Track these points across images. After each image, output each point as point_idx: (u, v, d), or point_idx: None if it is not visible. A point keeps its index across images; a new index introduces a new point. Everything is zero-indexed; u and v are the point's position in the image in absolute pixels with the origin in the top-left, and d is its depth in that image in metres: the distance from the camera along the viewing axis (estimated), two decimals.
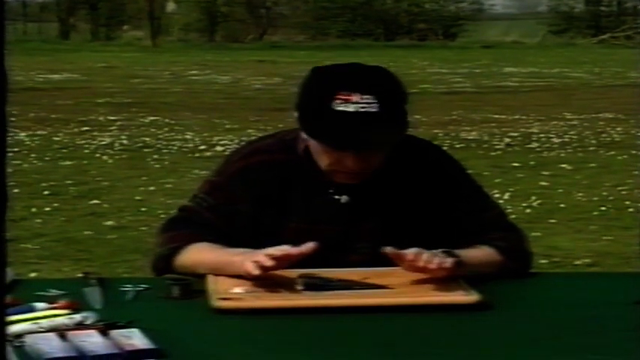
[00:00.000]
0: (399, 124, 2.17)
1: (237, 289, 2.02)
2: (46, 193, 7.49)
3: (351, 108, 2.10)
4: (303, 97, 2.19)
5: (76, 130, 11.44)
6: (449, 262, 2.05)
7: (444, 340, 1.84)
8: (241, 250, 2.14)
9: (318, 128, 2.15)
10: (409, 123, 2.20)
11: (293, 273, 2.08)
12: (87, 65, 22.62)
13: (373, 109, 2.11)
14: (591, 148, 10.20)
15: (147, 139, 10.66)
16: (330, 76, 2.18)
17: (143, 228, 6.23)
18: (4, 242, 0.91)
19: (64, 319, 1.82)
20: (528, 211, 6.93)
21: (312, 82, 2.19)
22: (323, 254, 2.12)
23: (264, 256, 2.03)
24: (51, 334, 1.74)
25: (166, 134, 11.08)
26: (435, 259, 2.04)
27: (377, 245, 2.18)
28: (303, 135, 2.20)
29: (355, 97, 2.11)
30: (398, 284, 2.06)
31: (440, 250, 2.11)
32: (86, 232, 6.22)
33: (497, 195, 6.85)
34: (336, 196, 2.22)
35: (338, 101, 2.11)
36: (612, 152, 9.86)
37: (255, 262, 2.02)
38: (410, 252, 2.05)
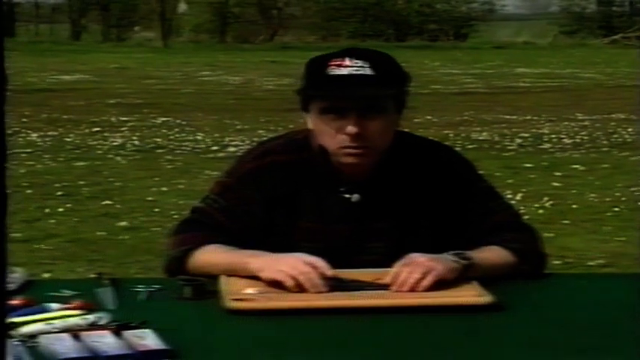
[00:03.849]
0: (392, 87, 2.20)
1: (250, 290, 2.02)
2: (59, 193, 7.51)
3: (344, 71, 2.16)
4: (302, 80, 2.23)
5: (87, 130, 11.47)
6: (427, 280, 2.01)
7: (456, 341, 1.84)
8: (254, 251, 2.14)
9: (317, 94, 2.19)
10: (405, 102, 2.23)
11: None
12: (98, 66, 22.68)
13: (367, 72, 2.16)
14: (604, 149, 10.17)
15: (159, 139, 10.68)
16: (324, 56, 2.24)
17: (155, 229, 6.24)
18: (4, 242, 0.91)
19: (77, 319, 1.82)
20: (541, 212, 6.91)
21: (307, 65, 2.24)
22: (335, 254, 2.12)
23: (318, 279, 2.01)
24: (64, 335, 1.75)
25: (178, 135, 11.10)
26: (409, 280, 2.01)
27: (389, 245, 2.18)
28: (311, 129, 2.21)
29: (348, 62, 2.17)
30: None
31: (451, 252, 2.11)
32: (99, 233, 6.23)
33: (509, 196, 6.83)
34: (347, 195, 2.22)
35: (332, 67, 2.17)
36: (625, 153, 9.83)
37: (307, 277, 2.01)
38: (391, 273, 2.04)
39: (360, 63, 2.16)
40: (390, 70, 2.21)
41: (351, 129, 2.15)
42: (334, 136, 2.18)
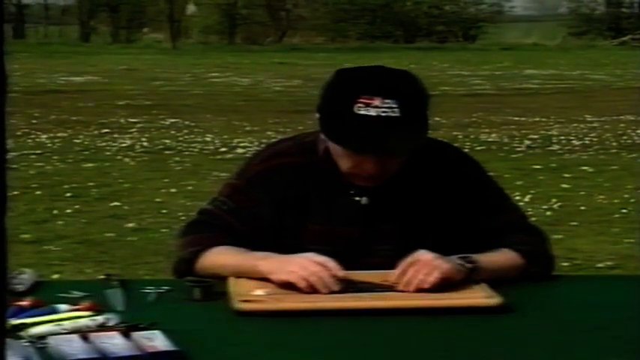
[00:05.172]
0: (419, 130, 2.16)
1: (259, 292, 2.02)
2: (68, 195, 7.52)
3: (372, 112, 2.09)
4: (326, 99, 2.18)
5: (96, 132, 11.49)
6: (433, 277, 2.01)
7: (465, 343, 1.84)
8: (263, 253, 2.14)
9: (340, 132, 2.14)
10: (429, 126, 2.19)
11: None
12: (107, 68, 22.71)
13: (395, 113, 2.09)
14: (612, 151, 10.15)
15: (167, 141, 10.69)
16: (353, 80, 2.17)
17: (164, 230, 6.24)
18: (4, 241, 0.91)
19: (86, 320, 1.83)
20: (549, 213, 6.90)
21: (334, 84, 2.19)
22: (344, 256, 2.12)
23: (330, 279, 2.01)
24: (73, 336, 1.75)
25: (186, 136, 11.11)
26: (415, 279, 2.01)
27: (398, 247, 2.18)
28: (323, 137, 2.20)
29: (377, 102, 2.10)
30: None
31: (457, 256, 2.10)
32: (108, 234, 6.24)
33: (517, 198, 6.82)
34: (357, 198, 2.22)
35: (360, 105, 2.10)
36: (634, 154, 9.80)
37: (321, 281, 2.01)
38: (396, 271, 2.04)
39: (388, 103, 2.09)
40: (418, 109, 2.14)
41: (370, 170, 2.13)
42: (350, 165, 2.16)
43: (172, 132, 11.52)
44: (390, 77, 2.17)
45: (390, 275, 2.08)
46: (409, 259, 2.06)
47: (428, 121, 2.18)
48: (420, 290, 2.02)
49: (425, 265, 2.03)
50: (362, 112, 2.10)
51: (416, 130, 2.14)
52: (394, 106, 2.10)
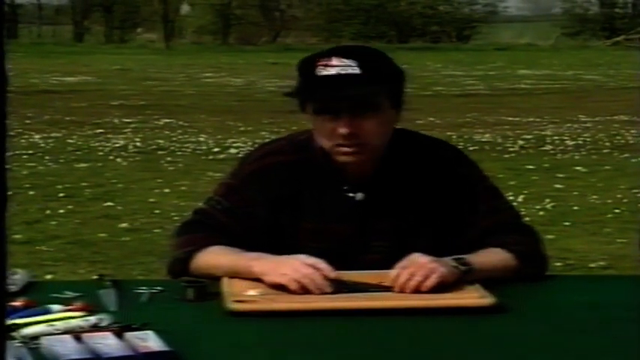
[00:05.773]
0: (381, 85, 2.18)
1: (252, 292, 2.02)
2: (60, 195, 7.51)
3: (332, 71, 2.15)
4: (297, 74, 2.24)
5: (90, 132, 11.48)
6: (430, 281, 2.01)
7: (459, 343, 1.84)
8: (257, 254, 2.14)
9: (306, 97, 2.20)
10: (403, 102, 2.22)
11: None
12: (101, 68, 22.69)
13: (355, 71, 2.15)
14: (605, 151, 10.17)
15: (161, 141, 10.69)
16: (314, 54, 2.24)
17: (157, 230, 6.24)
18: (4, 241, 0.91)
19: (79, 321, 1.83)
20: (542, 213, 6.91)
21: (299, 64, 2.24)
22: (339, 253, 2.12)
23: (322, 280, 2.02)
24: (66, 336, 1.75)
25: (180, 136, 11.11)
26: (411, 283, 2.01)
27: (392, 244, 2.18)
28: (310, 127, 2.22)
29: (335, 61, 2.16)
30: None
31: (451, 257, 2.10)
32: (101, 235, 6.23)
33: (511, 197, 6.83)
34: (351, 194, 2.22)
35: (320, 67, 2.16)
36: (626, 154, 9.83)
37: (314, 283, 2.01)
38: (391, 273, 2.04)
39: (347, 62, 2.15)
40: (379, 67, 2.19)
41: (342, 129, 2.15)
42: (329, 136, 2.18)
43: (166, 132, 11.51)
44: (351, 45, 2.29)
45: (384, 276, 2.08)
46: (404, 262, 2.06)
47: (395, 80, 2.22)
48: (414, 291, 2.02)
49: (421, 268, 2.03)
50: (323, 74, 2.15)
51: (378, 85, 2.17)
52: (352, 64, 2.15)
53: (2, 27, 0.90)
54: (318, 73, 2.16)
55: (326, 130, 2.18)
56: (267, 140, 2.48)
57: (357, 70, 2.14)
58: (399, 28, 39.98)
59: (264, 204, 2.23)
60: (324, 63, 2.16)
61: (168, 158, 9.49)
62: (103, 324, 1.82)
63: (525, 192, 7.60)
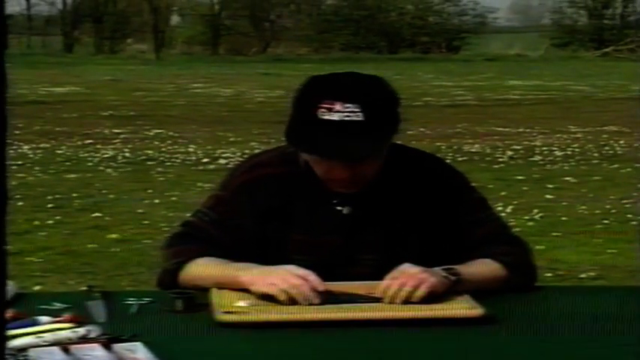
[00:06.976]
0: (384, 133, 2.15)
1: (241, 303, 2.02)
2: (49, 206, 7.49)
3: (335, 117, 2.09)
4: (293, 106, 2.19)
5: (79, 143, 11.46)
6: (420, 291, 2.01)
7: (448, 354, 1.84)
8: (244, 264, 2.14)
9: (302, 138, 2.14)
10: (399, 129, 2.17)
11: None
12: (91, 78, 22.68)
13: (358, 117, 2.09)
14: (595, 161, 10.20)
15: (150, 152, 10.68)
16: (318, 86, 2.17)
17: (147, 241, 6.23)
18: (4, 242, 0.91)
19: (67, 332, 1.82)
20: (531, 224, 6.92)
21: (301, 91, 2.18)
22: (327, 266, 2.12)
23: (310, 291, 2.00)
24: (54, 348, 1.74)
25: (170, 147, 11.10)
26: (401, 293, 2.00)
27: (381, 257, 2.18)
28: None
29: (338, 106, 2.09)
30: None
31: (441, 268, 2.10)
32: (90, 245, 6.22)
33: (500, 208, 6.84)
34: (339, 207, 2.22)
35: (323, 110, 2.10)
36: (616, 165, 9.85)
37: (302, 295, 2.00)
38: (381, 284, 2.04)
39: (350, 107, 2.09)
40: (383, 111, 2.13)
41: (340, 175, 2.13)
42: (324, 173, 2.16)
43: (156, 143, 11.50)
44: (355, 82, 2.16)
45: (373, 287, 2.07)
46: (394, 273, 2.05)
47: (397, 125, 2.17)
48: (405, 302, 2.02)
49: (411, 278, 2.03)
50: (325, 117, 2.09)
51: (381, 133, 2.13)
52: (357, 110, 2.09)
53: (3, 27, 0.90)
54: (321, 117, 2.09)
55: (322, 169, 2.16)
56: (256, 151, 2.48)
57: (359, 117, 2.09)
58: (389, 38, 40.08)
59: (253, 216, 2.22)
60: (327, 106, 2.09)
61: (158, 169, 9.48)
62: (92, 335, 1.81)
63: (515, 202, 7.61)
